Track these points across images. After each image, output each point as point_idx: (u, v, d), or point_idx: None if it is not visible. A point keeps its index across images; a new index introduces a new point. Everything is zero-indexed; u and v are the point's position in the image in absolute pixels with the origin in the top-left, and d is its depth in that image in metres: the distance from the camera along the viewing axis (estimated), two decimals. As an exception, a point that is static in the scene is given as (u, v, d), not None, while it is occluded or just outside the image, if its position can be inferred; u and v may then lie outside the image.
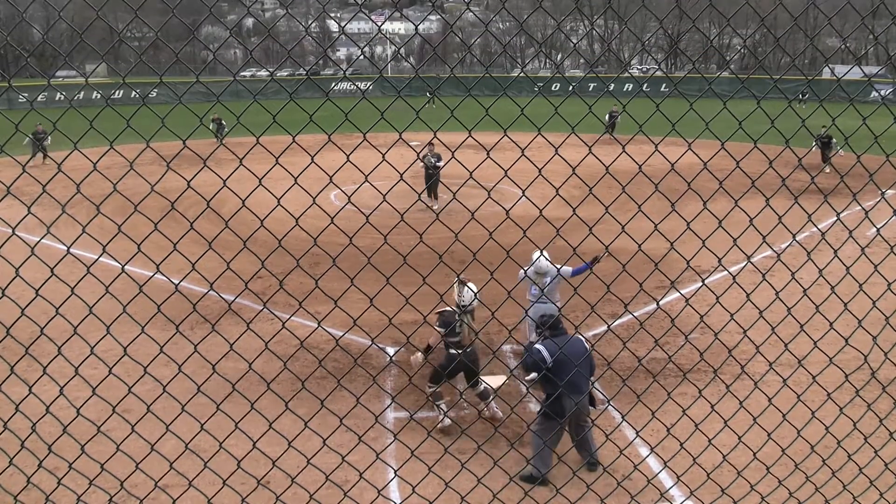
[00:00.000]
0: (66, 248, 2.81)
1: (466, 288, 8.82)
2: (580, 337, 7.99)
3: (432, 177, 21.04)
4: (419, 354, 8.65)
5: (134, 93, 50.89)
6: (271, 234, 2.85)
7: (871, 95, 49.59)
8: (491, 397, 9.04)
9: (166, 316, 3.17)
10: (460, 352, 8.72)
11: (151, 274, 3.40)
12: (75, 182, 2.83)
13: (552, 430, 7.44)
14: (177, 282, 3.26)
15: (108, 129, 2.46)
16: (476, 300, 8.88)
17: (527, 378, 8.83)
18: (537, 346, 7.68)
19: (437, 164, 20.70)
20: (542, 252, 9.43)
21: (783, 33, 3.59)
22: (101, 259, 2.88)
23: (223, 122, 32.90)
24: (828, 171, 25.37)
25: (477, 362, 8.91)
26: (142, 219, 3.35)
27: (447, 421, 8.74)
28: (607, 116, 33.00)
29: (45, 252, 3.29)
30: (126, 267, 2.96)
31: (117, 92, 54.01)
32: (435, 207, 20.79)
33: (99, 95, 52.13)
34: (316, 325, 3.38)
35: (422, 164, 21.23)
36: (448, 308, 8.81)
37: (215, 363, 3.57)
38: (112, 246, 2.91)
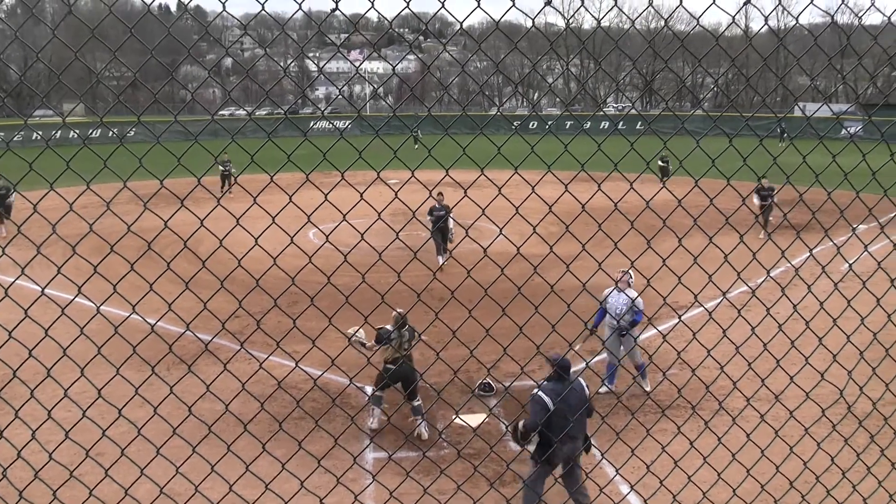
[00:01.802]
0: (40, 290, 2.79)
1: (357, 335, 9.74)
2: (581, 381, 7.55)
3: (443, 230, 18.58)
4: (353, 332, 9.51)
5: (111, 132, 50.77)
6: (248, 274, 2.84)
7: (842, 132, 50.58)
8: (421, 416, 9.70)
9: (142, 357, 3.14)
10: (393, 367, 9.56)
11: (127, 314, 3.37)
12: (51, 222, 2.81)
13: (544, 477, 7.24)
14: (153, 322, 3.23)
15: (85, 168, 2.46)
16: (413, 337, 9.79)
17: (528, 447, 7.61)
18: (539, 394, 7.19)
19: (448, 219, 18.19)
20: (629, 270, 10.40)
21: (754, 73, 3.67)
22: (76, 300, 2.86)
23: (232, 167, 29.61)
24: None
25: (409, 378, 9.59)
26: (118, 259, 3.34)
27: (374, 423, 9.68)
28: (659, 162, 30.23)
29: (19, 293, 3.26)
30: (101, 307, 2.93)
31: (95, 131, 53.83)
32: (445, 262, 18.55)
33: (76, 135, 51.98)
34: (294, 365, 3.36)
35: (429, 217, 18.81)
36: (386, 326, 9.66)
37: (191, 405, 3.53)
38: (87, 286, 2.88)
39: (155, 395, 10.08)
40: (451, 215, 18.23)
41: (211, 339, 3.74)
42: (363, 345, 9.73)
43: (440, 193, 18.45)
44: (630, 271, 10.54)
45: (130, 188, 2.79)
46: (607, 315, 10.75)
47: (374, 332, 9.55)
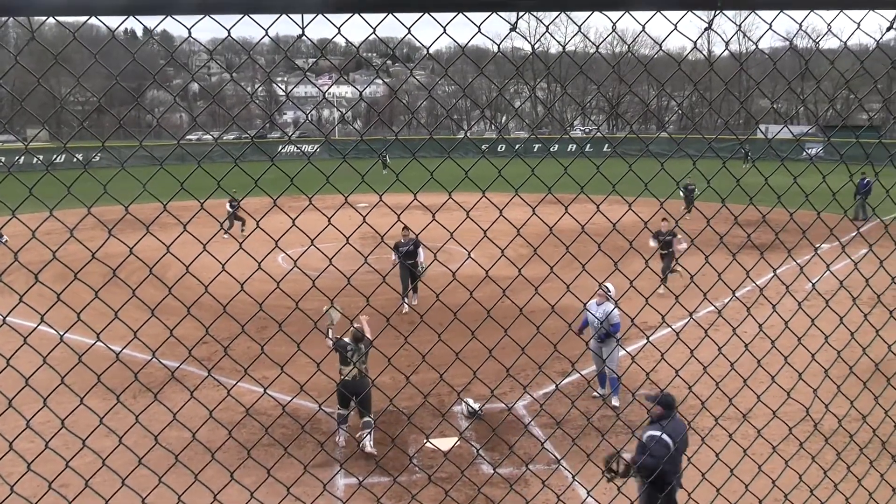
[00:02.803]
0: (1, 318, 2.74)
1: (334, 310, 10.44)
2: (682, 419, 7.11)
3: (411, 270, 17.10)
4: (328, 308, 10.31)
5: (76, 158, 50.15)
6: (215, 300, 2.81)
7: (803, 154, 51.57)
8: (369, 431, 10.03)
9: (106, 386, 3.09)
10: (349, 380, 10.01)
11: (92, 342, 3.32)
12: (12, 250, 2.77)
13: None
14: (118, 350, 3.19)
15: (48, 194, 2.43)
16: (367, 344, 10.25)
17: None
18: (664, 437, 6.74)
19: (417, 253, 17.23)
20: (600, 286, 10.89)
21: (716, 96, 3.73)
22: (38, 328, 2.81)
23: (237, 202, 25.80)
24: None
25: (359, 393, 9.88)
26: (82, 286, 3.29)
27: (342, 441, 10.20)
28: (682, 191, 28.36)
29: (-20, 321, 3.20)
30: (65, 336, 2.89)
31: (59, 157, 53.15)
32: (415, 303, 17.40)
33: (40, 160, 51.28)
34: (262, 392, 3.33)
35: (395, 256, 17.40)
36: (345, 339, 10.20)
37: (158, 433, 3.48)
38: (51, 314, 2.84)
39: (120, 424, 9.94)
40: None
41: (178, 366, 3.70)
42: (329, 329, 10.39)
43: (406, 228, 16.98)
44: (609, 285, 10.93)
45: (95, 214, 2.75)
46: (589, 324, 11.20)
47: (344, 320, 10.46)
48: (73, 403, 3.32)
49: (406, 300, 17.11)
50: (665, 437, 6.68)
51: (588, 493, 5.29)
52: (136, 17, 2.03)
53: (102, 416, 3.26)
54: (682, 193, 28.66)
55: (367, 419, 10.05)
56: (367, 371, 10.17)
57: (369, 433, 10.00)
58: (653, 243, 19.48)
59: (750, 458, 4.08)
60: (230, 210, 26.49)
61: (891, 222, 3.34)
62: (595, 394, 11.97)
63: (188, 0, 1.99)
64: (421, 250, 17.45)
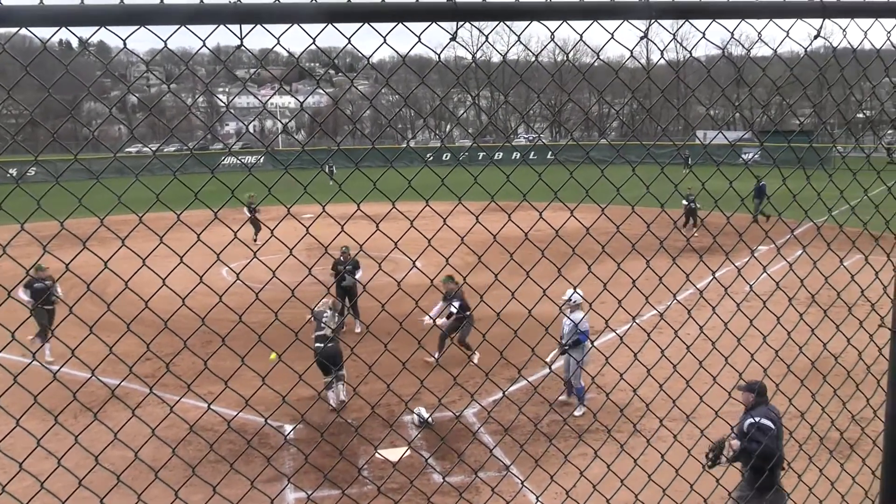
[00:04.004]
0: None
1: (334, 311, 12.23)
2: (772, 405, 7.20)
3: (349, 291, 16.35)
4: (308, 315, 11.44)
5: (9, 172, 48.66)
6: (156, 315, 2.76)
7: (739, 159, 52.89)
8: (341, 382, 11.87)
9: (44, 407, 3.01)
10: (322, 346, 11.57)
11: (28, 362, 3.23)
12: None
13: None
14: (55, 369, 3.10)
15: (-22, 211, 2.36)
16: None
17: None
18: (765, 422, 6.79)
19: (355, 274, 16.30)
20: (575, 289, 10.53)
21: (653, 103, 3.81)
22: (-30, 348, 2.72)
23: (255, 205, 24.90)
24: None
25: (334, 355, 11.59)
26: (16, 304, 3.20)
27: (334, 402, 11.74)
28: (684, 202, 25.40)
29: None
30: (-1, 356, 2.80)
31: (-10, 171, 51.54)
32: (358, 329, 15.94)
33: (-30, 175, 49.59)
34: (207, 407, 3.28)
35: (332, 272, 16.74)
36: (321, 308, 11.83)
37: (98, 453, 3.40)
38: (-17, 334, 2.74)
39: (60, 445, 9.60)
40: (359, 270, 16.49)
41: (119, 383, 3.62)
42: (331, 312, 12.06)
43: (346, 247, 16.60)
44: (576, 293, 10.89)
45: (29, 230, 2.68)
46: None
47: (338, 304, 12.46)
48: (8, 426, 3.22)
49: (350, 324, 16.27)
50: (766, 421, 6.72)
51: (537, 498, 5.33)
52: (69, 28, 1.98)
53: (40, 438, 3.17)
54: (684, 205, 25.47)
55: (341, 373, 11.81)
56: (336, 334, 11.96)
57: (343, 384, 11.84)
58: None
59: (694, 459, 4.15)
60: (249, 215, 24.81)
61: (822, 224, 3.45)
62: (563, 398, 12.06)
63: (122, 12, 1.96)
64: (359, 272, 16.56)
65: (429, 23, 2.22)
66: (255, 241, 24.03)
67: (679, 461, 4.70)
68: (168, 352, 13.36)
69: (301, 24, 2.13)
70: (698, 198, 25.17)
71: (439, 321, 12.49)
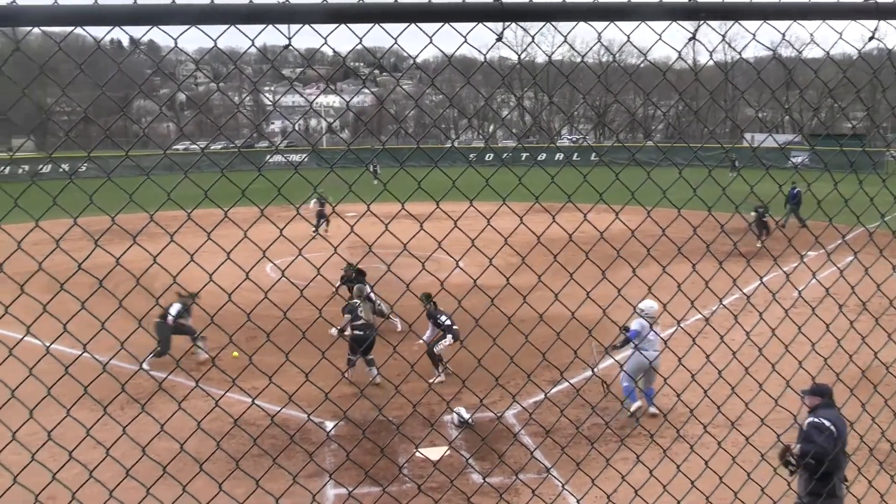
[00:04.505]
0: (-13, 330, 2.72)
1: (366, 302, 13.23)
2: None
3: (365, 336, 12.78)
4: (334, 330, 13.11)
5: (61, 168, 49.71)
6: (203, 310, 2.80)
7: (789, 163, 51.90)
8: (373, 366, 12.45)
9: (93, 397, 3.07)
10: (361, 333, 12.46)
11: (79, 353, 3.30)
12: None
13: None
14: (105, 361, 3.17)
15: (34, 205, 2.42)
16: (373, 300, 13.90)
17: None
18: (824, 421, 6.62)
19: (382, 309, 14.60)
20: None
21: (701, 105, 3.76)
22: (24, 339, 2.79)
23: (325, 199, 24.59)
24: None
25: (369, 339, 12.34)
26: (69, 297, 3.27)
27: (351, 375, 12.10)
28: (753, 214, 23.11)
29: (-35, 333, 3.19)
30: (52, 347, 2.87)
31: (45, 167, 52.79)
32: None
33: (25, 170, 50.85)
34: (251, 402, 3.32)
35: (347, 314, 12.96)
36: (353, 301, 12.96)
37: (146, 445, 3.46)
38: (37, 326, 2.82)
39: (108, 435, 9.79)
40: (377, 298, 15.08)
41: (166, 376, 3.68)
42: (342, 330, 12.74)
43: (349, 265, 14.88)
44: (649, 304, 10.64)
45: (81, 225, 2.74)
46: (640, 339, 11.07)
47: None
48: (59, 415, 3.30)
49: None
50: (825, 421, 6.56)
51: (578, 501, 5.31)
52: (123, 27, 2.02)
53: (89, 428, 3.24)
54: (753, 216, 23.15)
55: (370, 358, 12.49)
56: (372, 320, 12.98)
57: (375, 368, 12.43)
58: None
59: (739, 466, 4.09)
60: (319, 208, 25.59)
61: (874, 230, 3.37)
62: (653, 410, 11.22)
63: (176, 11, 1.99)
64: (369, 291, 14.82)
65: (475, 23, 2.22)
66: (316, 233, 23.26)
67: (723, 469, 4.63)
68: (213, 346, 13.55)
69: (348, 24, 2.14)
70: (743, 204, 23.69)
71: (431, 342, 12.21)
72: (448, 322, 12.52)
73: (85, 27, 2.00)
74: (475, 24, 2.22)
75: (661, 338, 10.77)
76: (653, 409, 11.24)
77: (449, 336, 12.52)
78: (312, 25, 2.11)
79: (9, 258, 2.81)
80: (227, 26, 2.08)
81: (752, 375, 3.99)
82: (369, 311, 13.02)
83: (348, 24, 2.14)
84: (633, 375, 11.16)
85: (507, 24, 2.27)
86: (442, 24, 2.20)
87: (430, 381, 12.10)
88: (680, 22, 2.36)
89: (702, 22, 2.34)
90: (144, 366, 12.15)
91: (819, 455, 6.42)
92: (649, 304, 10.78)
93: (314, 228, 24.90)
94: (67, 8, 1.95)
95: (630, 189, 3.28)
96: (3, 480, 3.38)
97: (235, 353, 12.57)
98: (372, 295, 14.84)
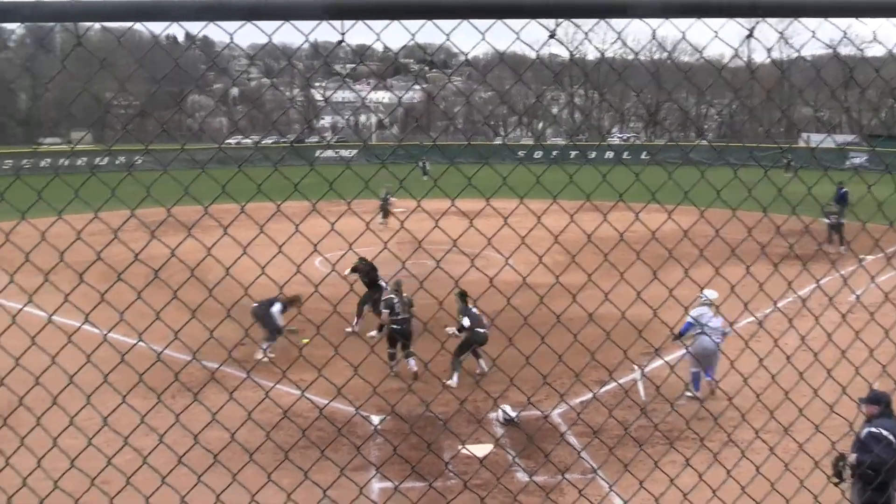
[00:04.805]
0: (47, 317, 2.79)
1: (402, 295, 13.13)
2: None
3: (403, 330, 12.98)
4: (375, 332, 13.91)
5: (119, 160, 50.81)
6: (305, 317, 2.84)
7: (847, 164, 50.59)
8: (412, 357, 12.61)
9: (148, 385, 3.14)
10: (398, 327, 12.71)
11: (134, 342, 3.37)
12: (58, 249, 2.82)
13: None
14: (159, 350, 3.23)
15: (93, 196, 2.47)
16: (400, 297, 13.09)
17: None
18: (882, 432, 6.45)
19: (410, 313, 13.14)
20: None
21: (757, 104, 3.69)
22: (83, 327, 2.86)
23: (391, 197, 25.30)
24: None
25: (410, 335, 12.69)
26: (125, 287, 3.34)
27: (397, 369, 12.73)
28: (825, 219, 21.41)
29: (26, 320, 3.27)
30: (108, 335, 2.93)
31: (103, 159, 54.05)
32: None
33: (84, 162, 52.09)
34: (300, 394, 3.36)
35: (385, 309, 13.32)
36: (389, 296, 13.16)
37: (197, 433, 3.52)
38: (94, 314, 2.89)
39: (161, 423, 9.98)
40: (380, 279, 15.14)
41: (218, 367, 3.74)
42: (381, 327, 13.70)
43: (362, 259, 14.78)
44: (710, 293, 11.48)
45: (138, 216, 2.80)
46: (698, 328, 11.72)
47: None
48: (115, 402, 3.38)
49: (353, 324, 14.96)
50: (883, 431, 6.40)
51: (625, 502, 5.26)
52: (179, 23, 2.06)
53: (144, 415, 3.31)
54: (826, 221, 21.56)
55: (409, 350, 12.66)
56: (412, 313, 12.81)
57: (414, 359, 12.55)
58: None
59: (792, 473, 4.00)
60: (383, 200, 26.08)
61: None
62: (688, 394, 11.89)
63: (233, 6, 2.02)
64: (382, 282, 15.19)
65: (528, 20, 2.20)
66: (384, 224, 24.91)
67: (775, 475, 4.54)
68: (263, 338, 13.74)
69: (401, 20, 2.14)
70: (817, 210, 21.08)
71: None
72: (468, 324, 11.73)
73: (144, 23, 2.03)
74: (528, 20, 2.20)
75: (728, 321, 10.87)
76: (698, 393, 11.66)
77: (459, 332, 12.10)
78: (365, 21, 2.11)
79: (69, 248, 2.88)
80: (280, 22, 2.10)
81: (806, 381, 3.90)
82: (403, 303, 13.02)
83: (401, 20, 2.14)
84: (698, 359, 11.41)
85: (560, 20, 2.25)
86: (495, 20, 2.18)
87: (445, 381, 12.07)
88: (737, 19, 2.31)
89: (759, 20, 2.29)
90: (268, 354, 12.71)
91: (876, 465, 6.21)
92: (710, 292, 11.05)
93: (381, 220, 25.98)
94: (128, 4, 1.99)
95: (684, 189, 3.23)
96: (60, 464, 3.47)
97: (306, 340, 12.67)
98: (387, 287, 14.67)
